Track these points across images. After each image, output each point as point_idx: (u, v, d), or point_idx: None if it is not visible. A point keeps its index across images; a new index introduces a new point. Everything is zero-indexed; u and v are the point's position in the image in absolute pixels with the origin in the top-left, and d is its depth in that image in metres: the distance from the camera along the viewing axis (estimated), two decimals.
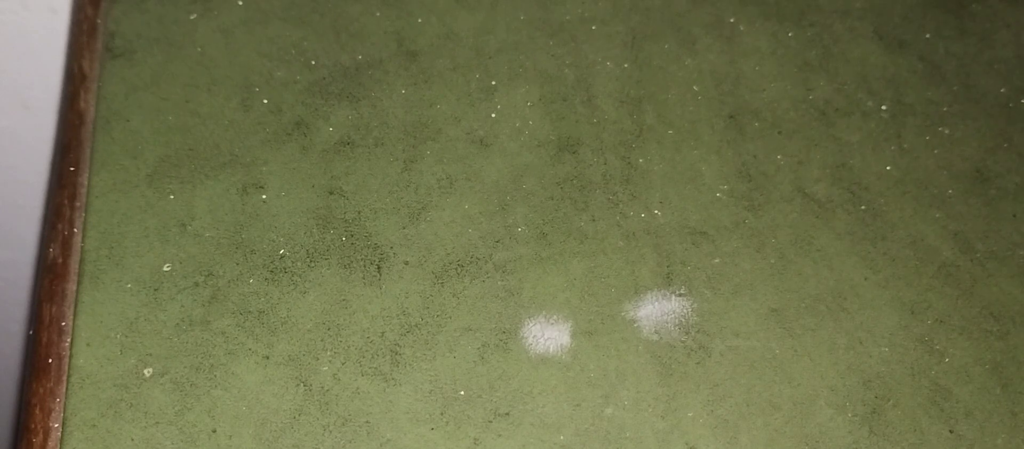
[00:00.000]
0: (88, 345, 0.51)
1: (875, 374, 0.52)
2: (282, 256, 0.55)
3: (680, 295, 0.54)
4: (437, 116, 0.61)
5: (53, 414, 0.49)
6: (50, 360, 0.50)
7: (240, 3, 0.66)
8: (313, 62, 0.63)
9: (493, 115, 0.61)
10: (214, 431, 0.49)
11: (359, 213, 0.57)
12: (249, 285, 0.53)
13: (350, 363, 0.51)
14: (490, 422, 0.50)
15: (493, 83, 0.63)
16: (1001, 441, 0.50)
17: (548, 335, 0.53)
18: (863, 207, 0.58)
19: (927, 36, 0.68)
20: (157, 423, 0.49)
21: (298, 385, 0.50)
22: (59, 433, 0.48)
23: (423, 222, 0.56)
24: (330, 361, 0.51)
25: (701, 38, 0.66)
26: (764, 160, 0.60)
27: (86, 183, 0.57)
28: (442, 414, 0.50)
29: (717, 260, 0.56)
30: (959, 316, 0.54)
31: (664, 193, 0.58)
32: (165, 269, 0.54)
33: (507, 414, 0.50)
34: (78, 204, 0.56)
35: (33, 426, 0.49)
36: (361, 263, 0.55)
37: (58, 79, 0.78)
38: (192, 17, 0.65)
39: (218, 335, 0.52)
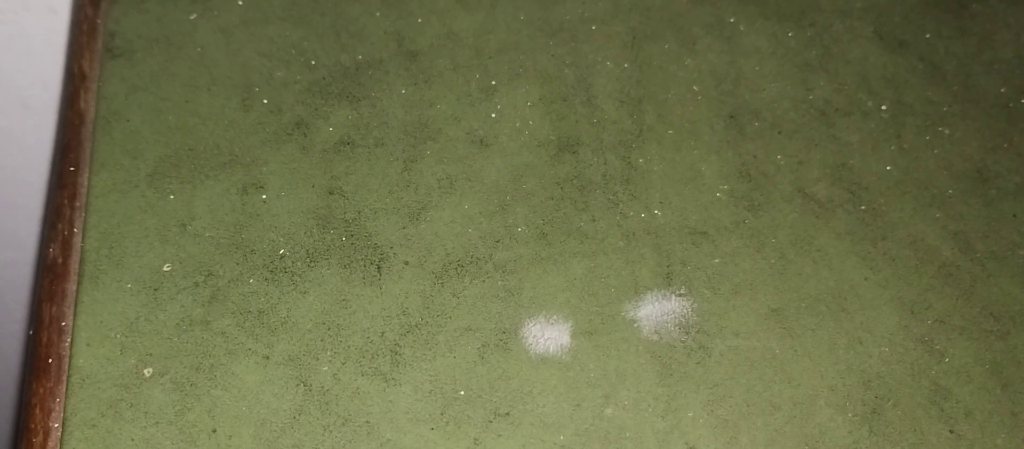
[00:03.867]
0: (88, 345, 0.51)
1: (875, 374, 0.52)
2: (282, 256, 0.55)
3: (680, 295, 0.54)
4: (437, 116, 0.61)
5: (53, 414, 0.49)
6: (50, 360, 0.50)
7: (240, 3, 0.66)
8: (313, 62, 0.63)
9: (493, 115, 0.61)
10: (214, 431, 0.49)
11: (359, 213, 0.57)
12: (249, 285, 0.53)
13: (350, 363, 0.51)
14: (490, 422, 0.50)
15: (493, 83, 0.63)
16: (1001, 441, 0.50)
17: (548, 335, 0.53)
18: (863, 207, 0.58)
19: (927, 36, 0.68)
20: (157, 423, 0.49)
21: (298, 385, 0.50)
22: (59, 433, 0.48)
23: (423, 222, 0.56)
24: (330, 361, 0.51)
25: (701, 38, 0.66)
26: (764, 160, 0.60)
27: (86, 183, 0.57)
28: (442, 414, 0.50)
29: (717, 260, 0.56)
30: (959, 316, 0.54)
31: (664, 193, 0.58)
32: (165, 269, 0.54)
33: (507, 414, 0.50)
34: (78, 204, 0.56)
35: (33, 426, 0.49)
36: (361, 263, 0.55)
37: (58, 79, 0.78)
38: (192, 17, 0.65)
39: (218, 335, 0.52)
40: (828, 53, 0.66)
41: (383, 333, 0.52)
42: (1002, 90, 0.65)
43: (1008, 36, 0.68)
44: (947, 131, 0.62)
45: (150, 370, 0.50)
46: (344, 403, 0.50)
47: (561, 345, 0.52)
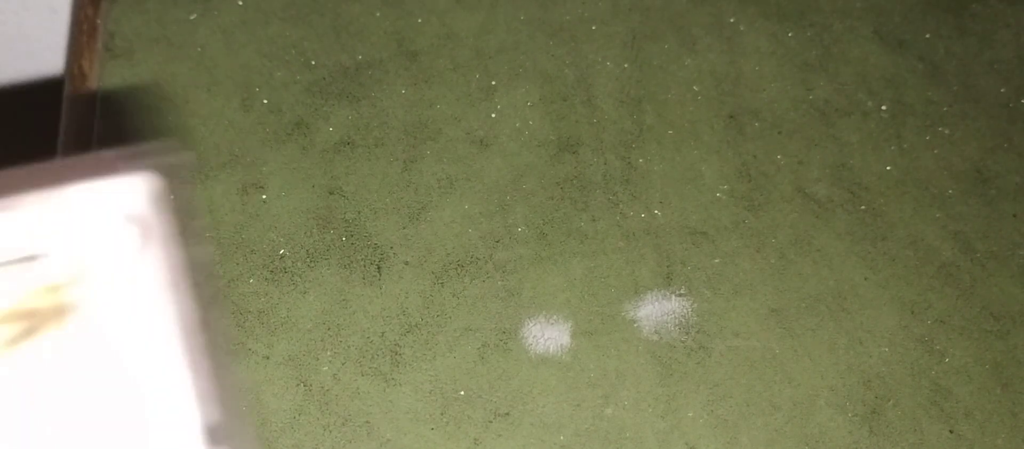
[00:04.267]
0: None
1: (875, 374, 0.52)
2: (282, 256, 0.55)
3: (680, 295, 0.54)
4: (437, 116, 0.61)
5: None
6: None
7: (240, 3, 0.66)
8: (313, 62, 0.63)
9: (493, 115, 0.61)
10: None
11: (359, 213, 0.57)
12: (249, 285, 0.53)
13: (350, 363, 0.51)
14: (490, 422, 0.50)
15: (493, 83, 0.63)
16: (1001, 441, 0.50)
17: (548, 335, 0.53)
18: (863, 207, 0.58)
19: (927, 36, 0.68)
20: None
21: (298, 385, 0.50)
22: None
23: (423, 222, 0.56)
24: (330, 361, 0.51)
25: (701, 38, 0.66)
26: (764, 160, 0.60)
27: None
28: (442, 414, 0.50)
29: (717, 260, 0.56)
30: (959, 316, 0.54)
31: (664, 193, 0.58)
32: None
33: (507, 414, 0.50)
34: None
35: None
36: (361, 263, 0.55)
37: (58, 79, 0.78)
38: (192, 17, 0.65)
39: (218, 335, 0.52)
40: (828, 53, 0.66)
41: (383, 333, 0.52)
42: (1002, 90, 0.65)
43: (1008, 36, 0.68)
44: (947, 131, 0.62)
45: None
46: (344, 403, 0.50)
47: (561, 345, 0.52)
